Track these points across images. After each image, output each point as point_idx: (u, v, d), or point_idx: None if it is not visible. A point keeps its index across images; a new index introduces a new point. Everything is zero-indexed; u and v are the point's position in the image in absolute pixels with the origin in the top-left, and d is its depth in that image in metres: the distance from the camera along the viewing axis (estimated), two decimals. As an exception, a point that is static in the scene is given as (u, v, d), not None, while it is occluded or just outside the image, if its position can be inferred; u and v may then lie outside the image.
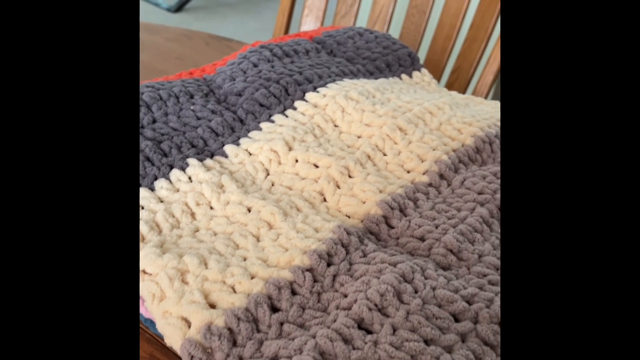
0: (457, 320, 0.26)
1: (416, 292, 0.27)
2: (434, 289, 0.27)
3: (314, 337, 0.25)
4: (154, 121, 0.42)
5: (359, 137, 0.41)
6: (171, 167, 0.37)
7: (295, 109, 0.43)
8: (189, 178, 0.37)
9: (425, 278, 0.28)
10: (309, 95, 0.44)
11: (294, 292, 0.28)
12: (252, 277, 0.29)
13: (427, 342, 0.25)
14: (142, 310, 0.30)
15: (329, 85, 0.45)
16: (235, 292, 0.28)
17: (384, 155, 0.40)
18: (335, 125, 0.42)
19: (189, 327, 0.27)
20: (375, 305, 0.26)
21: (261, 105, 0.43)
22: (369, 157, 0.39)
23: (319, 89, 0.45)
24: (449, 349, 0.25)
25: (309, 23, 0.79)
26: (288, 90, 0.44)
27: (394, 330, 0.25)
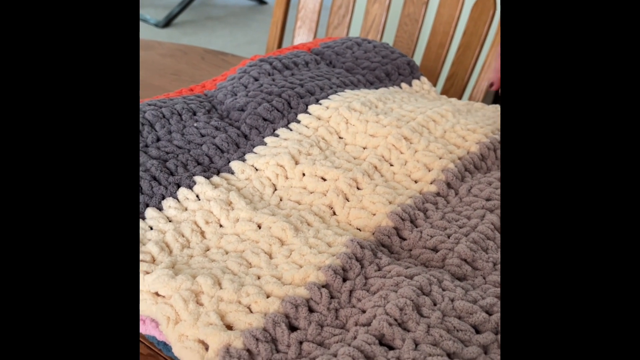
0: (477, 331, 0.26)
1: (435, 304, 0.27)
2: (452, 300, 0.27)
3: (335, 355, 0.24)
4: (158, 139, 0.41)
5: (364, 148, 0.41)
6: (178, 186, 0.37)
7: (299, 122, 0.43)
8: (197, 196, 0.37)
9: (443, 290, 0.28)
10: (312, 108, 0.44)
11: (311, 310, 0.28)
12: (268, 296, 0.28)
13: (449, 355, 0.25)
14: (155, 333, 0.30)
15: (331, 96, 0.45)
16: (251, 312, 0.28)
17: (391, 165, 0.40)
18: (340, 137, 0.42)
19: (207, 350, 0.26)
20: (395, 320, 0.26)
21: (265, 119, 0.43)
22: (375, 168, 0.39)
23: (321, 101, 0.45)
24: None
25: (302, 35, 0.79)
26: (291, 103, 0.45)
27: (416, 345, 0.25)
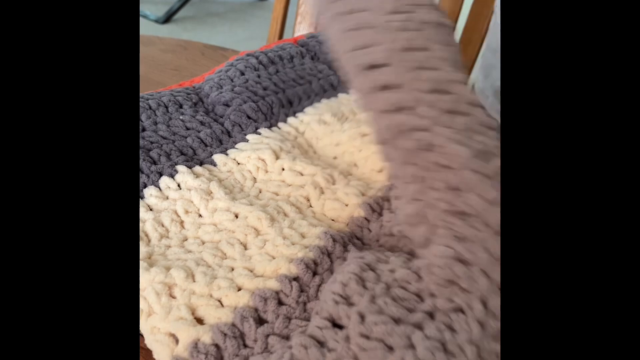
0: (422, 300, 0.24)
1: (380, 278, 0.25)
2: (392, 271, 0.25)
3: (290, 347, 0.24)
4: (143, 130, 0.41)
5: (335, 159, 0.41)
6: (160, 175, 0.37)
7: (279, 128, 0.44)
8: (178, 185, 0.37)
9: (387, 263, 0.26)
10: (290, 120, 0.45)
11: (280, 302, 0.27)
12: (239, 289, 0.28)
13: (395, 321, 0.23)
14: None
15: (306, 109, 0.46)
16: (222, 305, 0.28)
17: (358, 168, 0.39)
18: (314, 152, 0.42)
19: (177, 343, 0.26)
20: (340, 296, 0.25)
21: (249, 117, 0.44)
22: (348, 173, 0.39)
23: (297, 114, 0.45)
24: (419, 326, 0.23)
25: (302, 30, 0.79)
26: (273, 109, 0.45)
27: (362, 318, 0.23)
